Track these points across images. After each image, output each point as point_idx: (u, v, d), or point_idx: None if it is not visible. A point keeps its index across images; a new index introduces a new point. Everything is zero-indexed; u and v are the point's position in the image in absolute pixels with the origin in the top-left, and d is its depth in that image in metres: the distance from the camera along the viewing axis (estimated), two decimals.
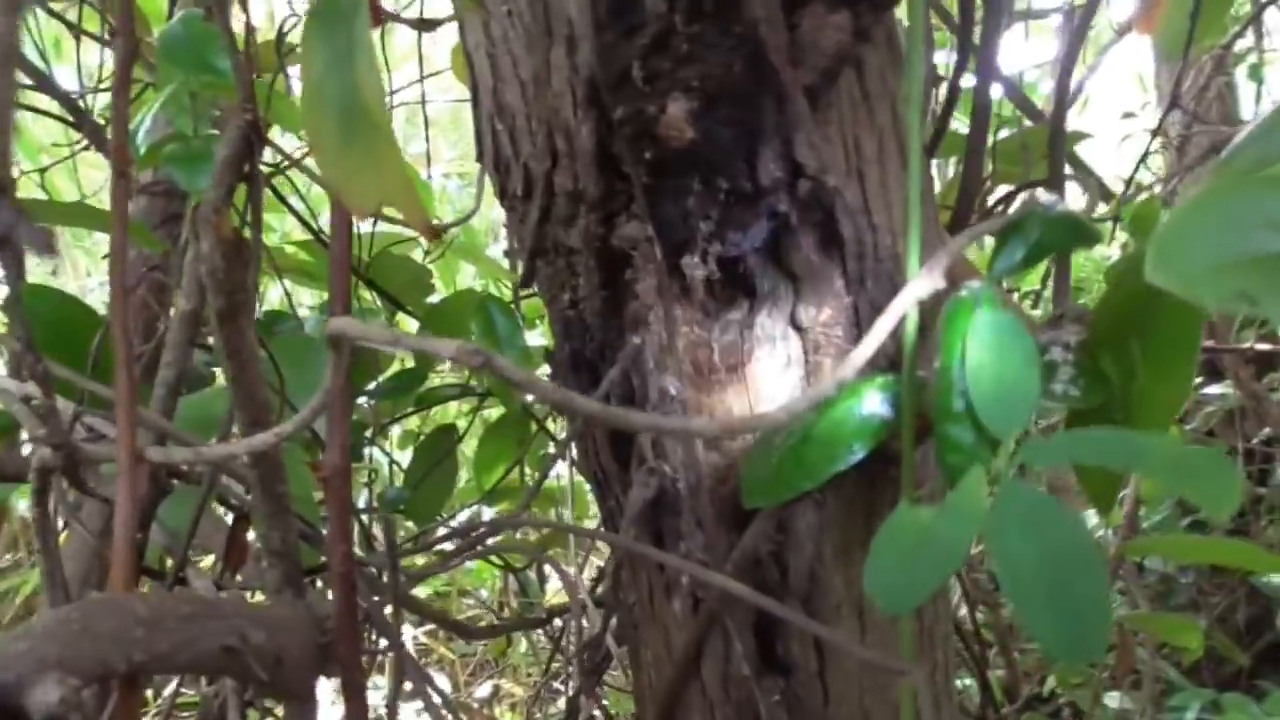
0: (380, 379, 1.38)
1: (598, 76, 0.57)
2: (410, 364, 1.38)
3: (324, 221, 1.48)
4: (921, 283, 0.51)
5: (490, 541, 0.69)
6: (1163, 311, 0.56)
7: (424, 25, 1.13)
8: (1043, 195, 0.58)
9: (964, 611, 2.30)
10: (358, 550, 0.64)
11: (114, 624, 0.44)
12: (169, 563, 0.69)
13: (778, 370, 0.65)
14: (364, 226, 1.42)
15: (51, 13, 1.38)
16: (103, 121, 1.42)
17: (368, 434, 1.37)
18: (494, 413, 1.49)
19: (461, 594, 2.53)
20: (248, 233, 0.53)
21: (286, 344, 1.15)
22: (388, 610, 0.60)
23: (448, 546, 0.80)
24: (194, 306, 0.61)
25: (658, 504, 0.67)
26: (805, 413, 0.44)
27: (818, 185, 0.56)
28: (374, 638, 0.69)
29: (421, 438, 1.42)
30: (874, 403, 0.55)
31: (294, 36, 1.37)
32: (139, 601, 0.45)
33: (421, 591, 2.34)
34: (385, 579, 0.59)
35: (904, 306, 0.50)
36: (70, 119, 1.35)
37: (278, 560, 0.58)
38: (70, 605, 0.44)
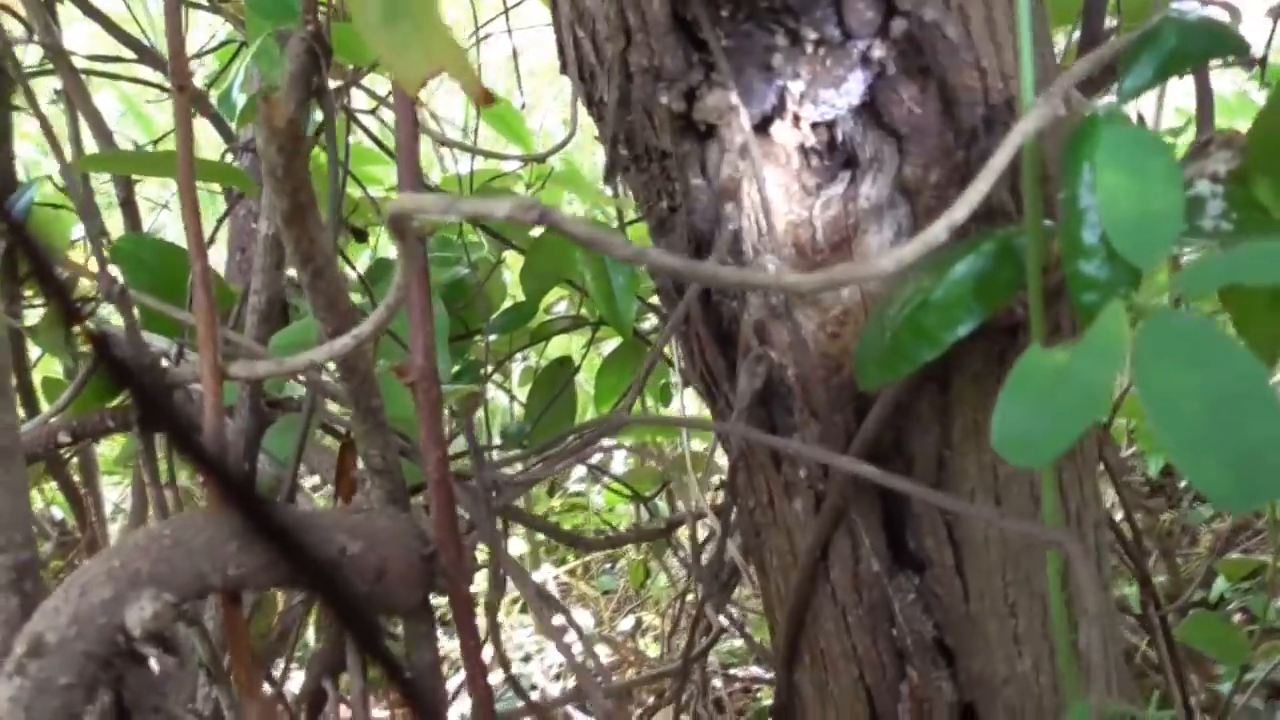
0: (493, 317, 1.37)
1: None
2: (521, 299, 1.37)
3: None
4: (1039, 111, 0.45)
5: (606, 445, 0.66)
6: None
7: None
8: (1178, 4, 0.51)
9: (1120, 517, 2.20)
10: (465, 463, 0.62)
11: (207, 537, 0.43)
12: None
13: (888, 243, 0.60)
14: (464, 165, 1.41)
15: None
16: (204, 87, 1.44)
17: (485, 370, 1.37)
18: (610, 345, 1.47)
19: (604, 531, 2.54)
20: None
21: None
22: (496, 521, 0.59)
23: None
24: (275, 229, 0.60)
25: (769, 396, 0.63)
26: (912, 263, 0.39)
27: (915, 22, 0.51)
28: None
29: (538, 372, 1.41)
30: (995, 258, 0.50)
31: None
32: (233, 516, 0.44)
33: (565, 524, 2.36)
34: (490, 490, 0.57)
35: (1020, 138, 0.44)
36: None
37: (380, 479, 0.56)
38: (163, 521, 0.43)
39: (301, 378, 0.60)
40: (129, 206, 1.25)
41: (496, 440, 1.43)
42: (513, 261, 1.40)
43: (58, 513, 1.86)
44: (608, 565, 2.59)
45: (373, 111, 1.39)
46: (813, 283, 0.37)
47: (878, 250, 0.60)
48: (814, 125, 0.57)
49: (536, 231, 1.38)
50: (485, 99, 0.40)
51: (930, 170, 0.58)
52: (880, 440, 0.61)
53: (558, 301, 1.64)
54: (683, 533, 1.42)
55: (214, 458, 0.46)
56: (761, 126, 0.57)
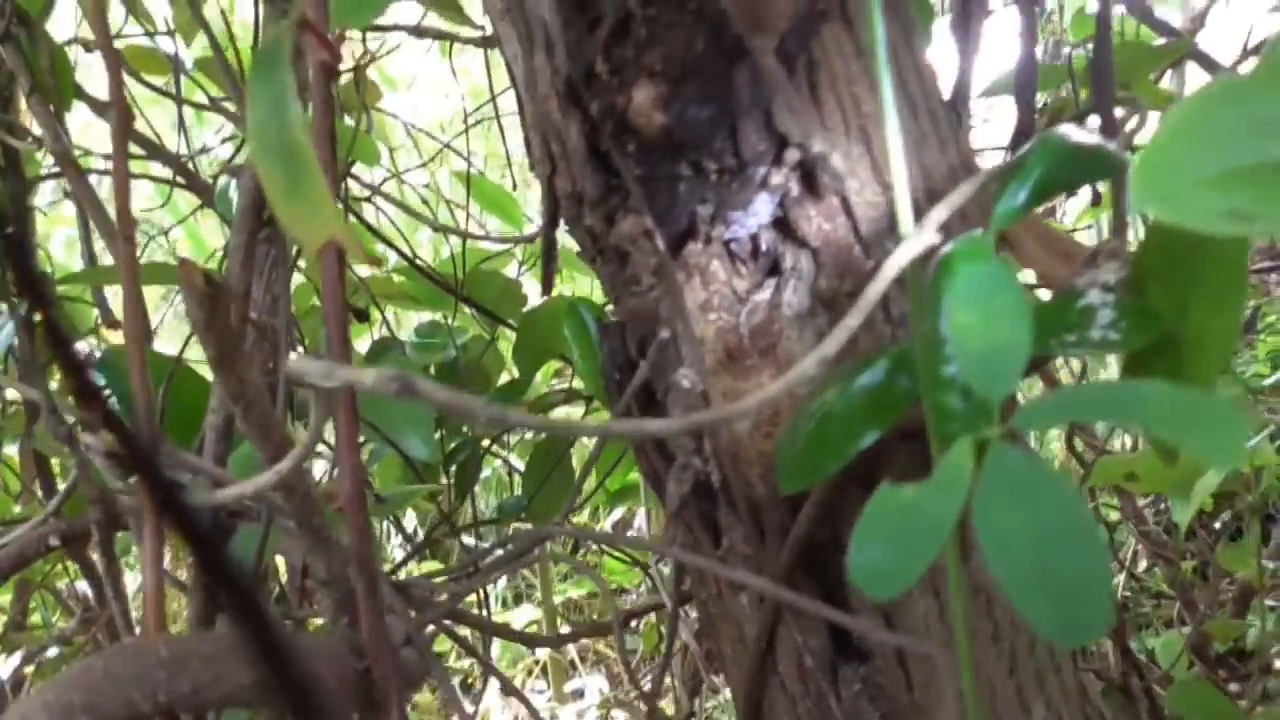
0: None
1: (573, 74, 0.56)
2: (517, 374, 1.40)
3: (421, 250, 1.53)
4: (913, 243, 0.47)
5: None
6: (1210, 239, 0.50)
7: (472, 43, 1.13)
8: (1064, 128, 0.53)
9: (1142, 568, 2.17)
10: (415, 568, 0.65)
11: (136, 667, 0.46)
12: None
13: (809, 349, 0.62)
14: (455, 246, 1.45)
15: (153, 88, 1.46)
16: (211, 181, 1.50)
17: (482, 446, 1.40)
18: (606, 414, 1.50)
19: (621, 592, 2.56)
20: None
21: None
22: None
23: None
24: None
25: (705, 497, 0.65)
26: (779, 395, 0.41)
27: (804, 152, 0.54)
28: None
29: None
30: (890, 372, 0.52)
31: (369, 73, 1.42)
32: (163, 644, 0.47)
33: (576, 593, 2.38)
34: (432, 597, 0.60)
35: (893, 271, 0.46)
36: (183, 182, 1.42)
37: (327, 589, 0.59)
38: (97, 653, 0.46)
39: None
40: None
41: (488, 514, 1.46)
42: (504, 337, 1.43)
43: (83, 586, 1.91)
44: (632, 625, 2.60)
45: (368, 199, 1.44)
46: (680, 426, 0.39)
47: (801, 357, 0.63)
48: (733, 240, 0.60)
49: (529, 306, 1.42)
50: (373, 263, 0.43)
51: (844, 281, 0.60)
52: (815, 535, 0.64)
53: (562, 373, 1.68)
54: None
55: (230, 567, 0.49)
56: (678, 246, 0.59)
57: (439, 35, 1.38)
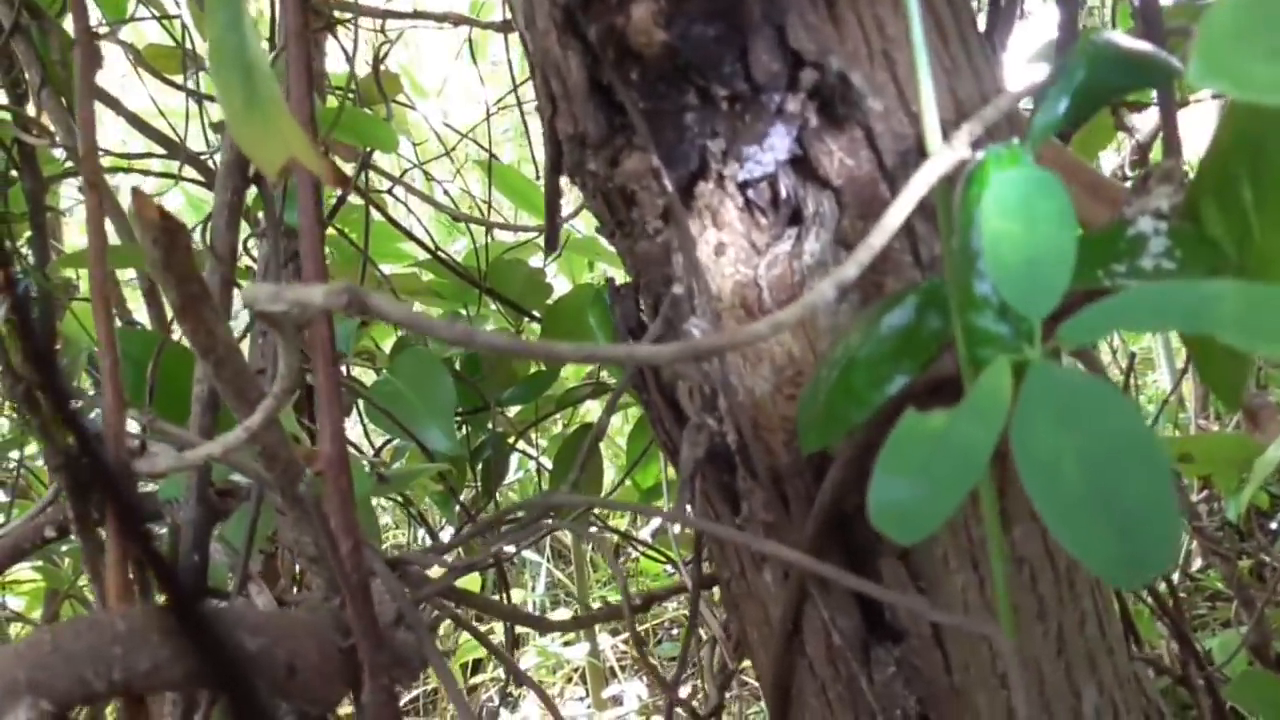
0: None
1: (571, 0, 0.52)
2: (542, 368, 1.36)
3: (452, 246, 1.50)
4: (940, 159, 0.42)
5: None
6: (1276, 141, 0.45)
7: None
8: (1108, 33, 0.48)
9: (1197, 567, 2.08)
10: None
11: (89, 642, 0.42)
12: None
13: (834, 300, 0.57)
14: (479, 237, 1.42)
15: (170, 83, 1.44)
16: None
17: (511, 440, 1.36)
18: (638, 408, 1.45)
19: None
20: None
21: (406, 364, 1.16)
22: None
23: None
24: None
25: (722, 463, 0.60)
26: (791, 323, 0.37)
27: (823, 73, 0.49)
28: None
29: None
30: (920, 310, 0.47)
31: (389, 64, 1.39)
32: (120, 618, 0.43)
33: (615, 597, 2.33)
34: (430, 573, 0.55)
35: (920, 189, 0.42)
36: (201, 179, 1.40)
37: (316, 567, 0.55)
38: (46, 626, 0.42)
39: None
40: (152, 296, 1.28)
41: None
42: (530, 330, 1.39)
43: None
44: (673, 629, 2.55)
45: (388, 191, 1.41)
46: (683, 351, 0.34)
47: (826, 310, 0.58)
48: (749, 183, 0.56)
49: (553, 299, 1.38)
50: (340, 181, 0.39)
51: (869, 224, 0.55)
52: (842, 504, 0.58)
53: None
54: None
55: (156, 552, 0.46)
56: (688, 188, 0.55)
57: (459, 20, 1.35)
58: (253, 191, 0.89)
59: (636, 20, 0.48)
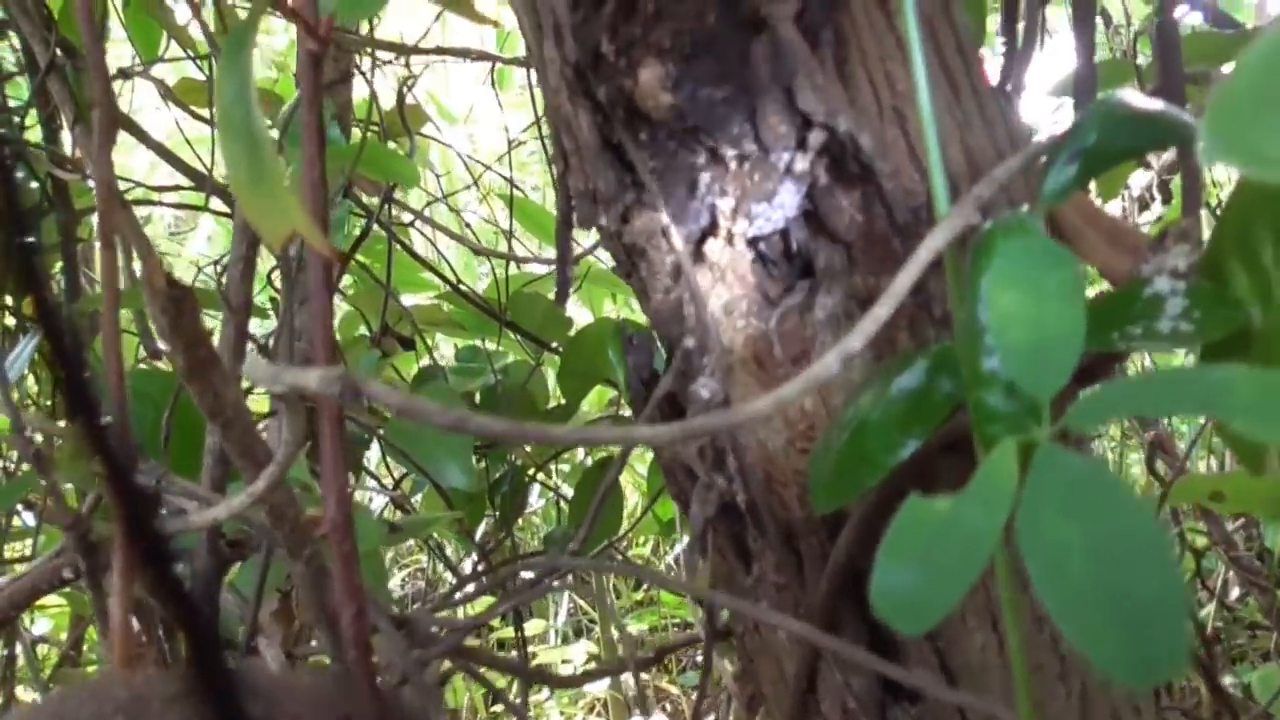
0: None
1: (581, 60, 0.52)
2: (562, 401, 1.36)
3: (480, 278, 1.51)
4: (950, 223, 0.42)
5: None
6: None
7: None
8: (1121, 92, 0.47)
9: (1235, 595, 2.04)
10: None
11: (90, 710, 0.42)
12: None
13: (839, 371, 0.56)
14: (498, 271, 1.42)
15: (200, 118, 1.46)
16: None
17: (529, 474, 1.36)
18: None
19: (684, 626, 2.49)
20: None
21: (425, 398, 1.15)
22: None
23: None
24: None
25: (735, 520, 0.60)
26: (795, 398, 0.36)
27: (831, 133, 0.48)
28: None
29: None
30: (931, 373, 0.46)
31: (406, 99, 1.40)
32: (122, 685, 0.43)
33: (636, 627, 2.32)
34: (436, 632, 0.55)
35: (928, 254, 0.41)
36: (227, 210, 1.41)
37: (321, 628, 0.55)
38: (48, 694, 0.42)
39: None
40: None
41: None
42: (550, 361, 1.39)
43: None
44: (697, 656, 2.53)
45: (410, 224, 1.42)
46: (664, 436, 0.34)
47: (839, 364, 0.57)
48: (760, 238, 0.55)
49: (573, 331, 1.38)
50: (339, 259, 0.39)
51: (881, 279, 0.55)
52: (856, 562, 0.58)
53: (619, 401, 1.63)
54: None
55: (188, 601, 0.46)
56: (699, 244, 0.55)
57: (480, 56, 1.36)
58: None
59: (644, 83, 0.48)
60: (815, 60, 0.48)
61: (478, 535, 1.40)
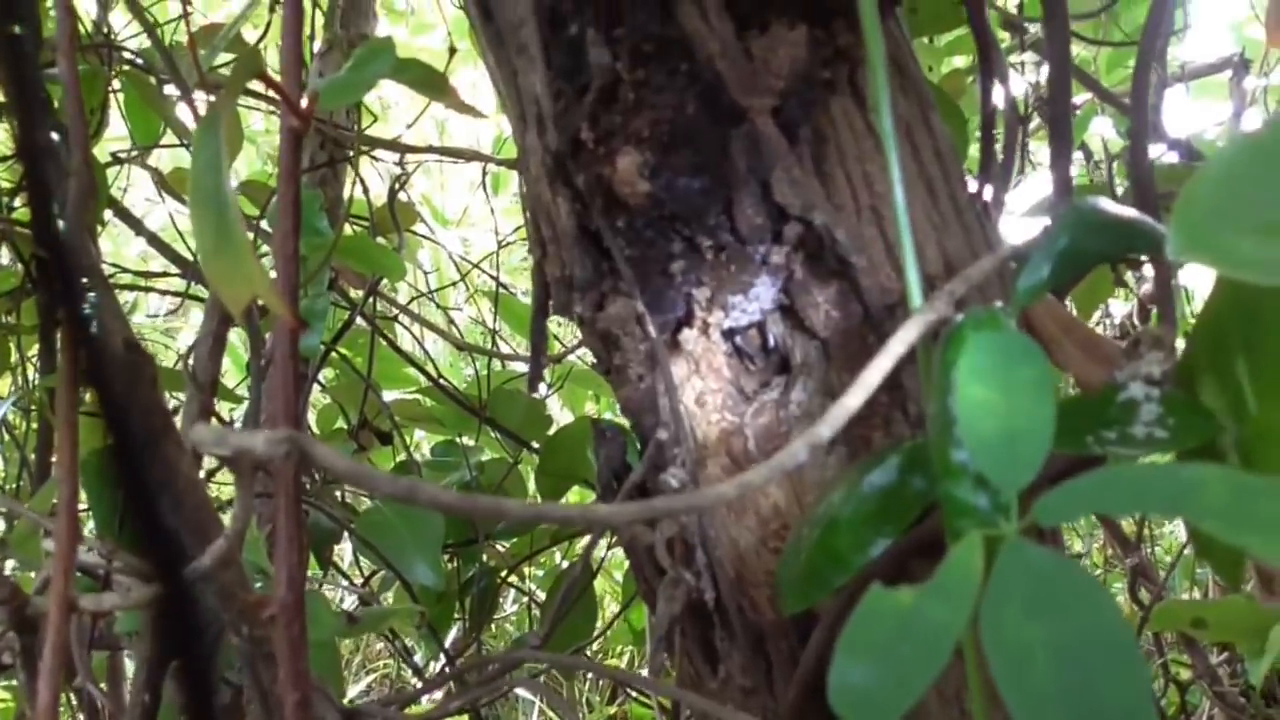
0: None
1: (561, 149, 0.52)
2: (538, 500, 1.34)
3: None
4: (921, 318, 0.42)
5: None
6: (1273, 313, 0.44)
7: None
8: (1094, 199, 0.47)
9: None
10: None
11: None
12: None
13: (821, 452, 0.56)
14: (480, 368, 1.42)
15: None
16: None
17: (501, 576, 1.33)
18: None
19: None
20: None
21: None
22: None
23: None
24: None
25: (702, 619, 0.58)
26: (760, 484, 0.35)
27: (805, 227, 0.48)
28: None
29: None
30: (903, 470, 0.45)
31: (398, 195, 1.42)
32: None
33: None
34: None
35: (899, 349, 0.41)
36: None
37: (265, 714, 0.53)
38: None
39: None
40: None
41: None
42: (527, 460, 1.38)
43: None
44: None
45: (394, 317, 1.42)
46: (630, 513, 0.33)
47: (814, 463, 0.56)
48: (734, 330, 0.55)
49: (553, 430, 1.36)
50: (296, 323, 0.38)
51: (855, 374, 0.54)
52: (826, 668, 0.56)
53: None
54: None
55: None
56: (673, 330, 0.54)
57: (473, 157, 1.38)
58: None
59: (622, 171, 0.48)
60: (793, 155, 0.48)
61: (448, 640, 1.37)
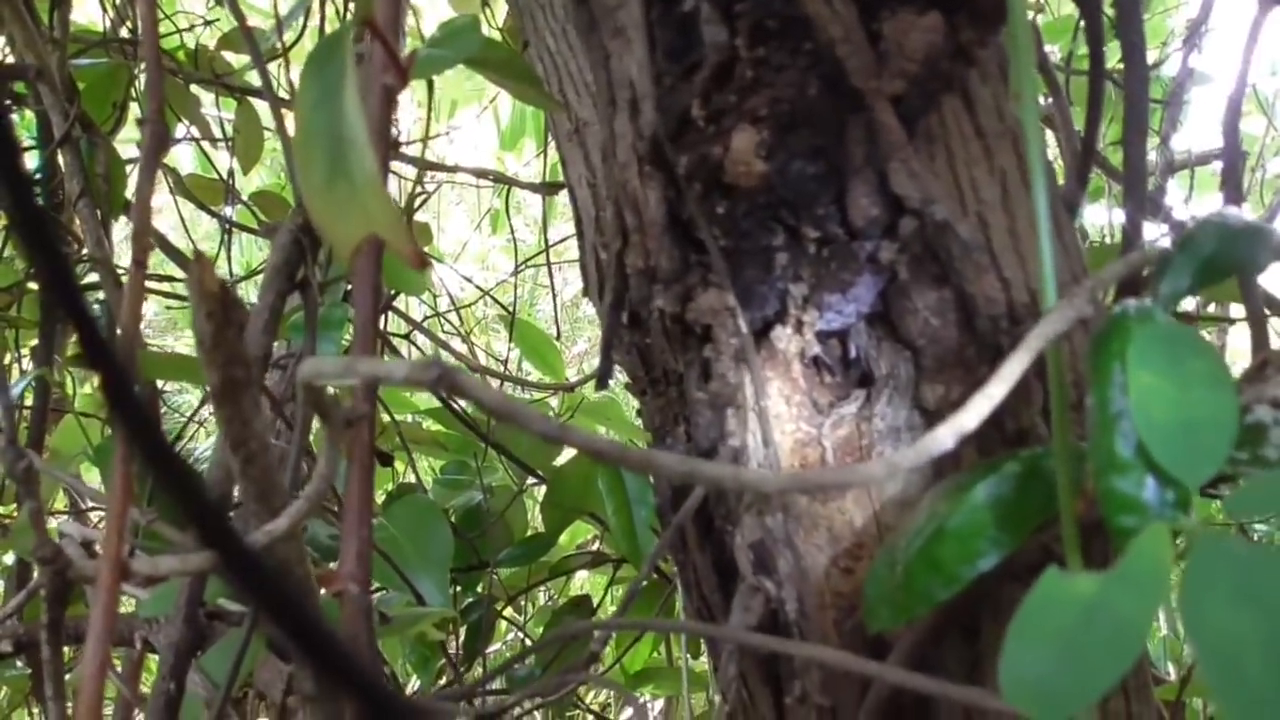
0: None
1: (659, 131, 0.50)
2: (540, 529, 1.30)
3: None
4: (1062, 312, 0.39)
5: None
6: None
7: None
8: (1221, 209, 0.46)
9: None
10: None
11: None
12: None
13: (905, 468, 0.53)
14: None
15: (210, 211, 1.44)
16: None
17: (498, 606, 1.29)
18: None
19: None
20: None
21: (403, 511, 1.10)
22: None
23: None
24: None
25: (767, 634, 0.55)
26: (919, 484, 0.33)
27: (924, 221, 0.47)
28: None
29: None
30: (1021, 481, 0.43)
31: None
32: None
33: None
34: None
35: (1040, 342, 0.38)
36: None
37: (314, 706, 0.49)
38: None
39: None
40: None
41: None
42: (532, 493, 1.34)
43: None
44: None
45: (406, 336, 1.39)
46: (781, 483, 0.30)
47: (901, 479, 0.54)
48: (823, 336, 0.53)
49: (561, 460, 1.33)
50: (420, 263, 0.36)
51: (951, 389, 0.52)
52: (900, 696, 0.53)
53: (591, 540, 1.57)
54: None
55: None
56: (763, 332, 0.52)
57: (499, 179, 1.37)
58: None
59: (737, 150, 0.46)
60: (910, 147, 0.47)
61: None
